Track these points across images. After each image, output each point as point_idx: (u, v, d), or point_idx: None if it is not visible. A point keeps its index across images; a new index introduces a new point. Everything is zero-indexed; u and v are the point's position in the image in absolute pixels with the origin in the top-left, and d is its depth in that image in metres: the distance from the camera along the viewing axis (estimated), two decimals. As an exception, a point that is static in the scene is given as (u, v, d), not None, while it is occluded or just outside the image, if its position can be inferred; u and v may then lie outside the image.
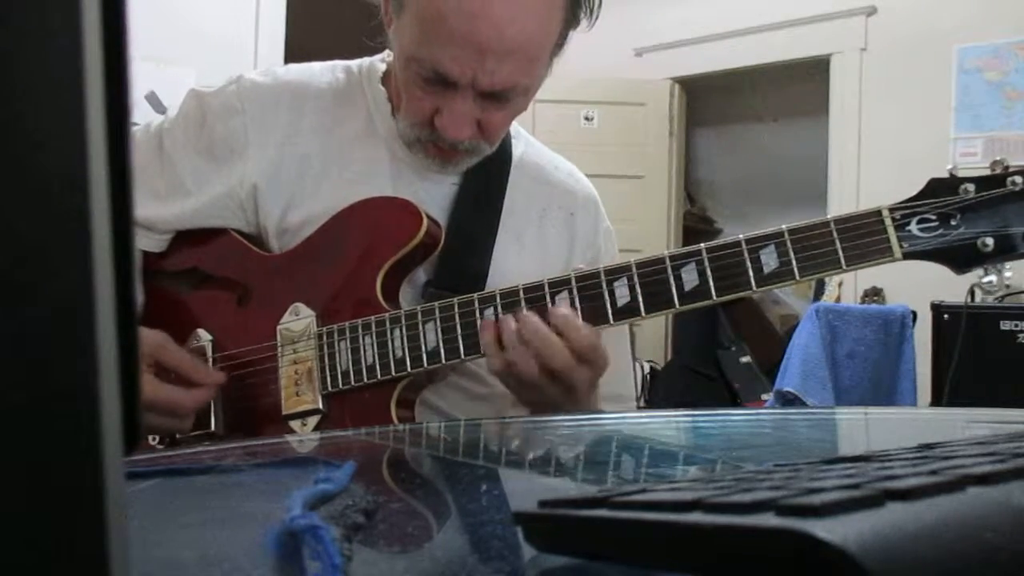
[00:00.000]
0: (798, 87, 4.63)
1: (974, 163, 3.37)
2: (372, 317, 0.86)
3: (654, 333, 4.35)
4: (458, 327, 0.82)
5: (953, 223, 0.72)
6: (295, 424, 0.88)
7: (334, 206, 0.91)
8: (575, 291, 0.80)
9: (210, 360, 0.93)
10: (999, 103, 3.49)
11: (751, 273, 0.75)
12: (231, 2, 3.20)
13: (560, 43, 0.87)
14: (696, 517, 0.22)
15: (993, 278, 2.50)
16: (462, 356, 0.82)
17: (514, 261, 0.95)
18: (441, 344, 0.83)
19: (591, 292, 0.79)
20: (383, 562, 0.32)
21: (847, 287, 3.68)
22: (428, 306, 0.84)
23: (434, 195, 0.95)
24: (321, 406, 0.87)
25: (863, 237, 0.73)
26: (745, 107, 5.22)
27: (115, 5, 0.16)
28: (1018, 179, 0.70)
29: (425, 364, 0.83)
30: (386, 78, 0.97)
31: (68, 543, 0.15)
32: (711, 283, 0.76)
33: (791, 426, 0.83)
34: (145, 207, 0.94)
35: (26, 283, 0.15)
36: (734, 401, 4.03)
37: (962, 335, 2.40)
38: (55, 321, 0.15)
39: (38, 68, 0.15)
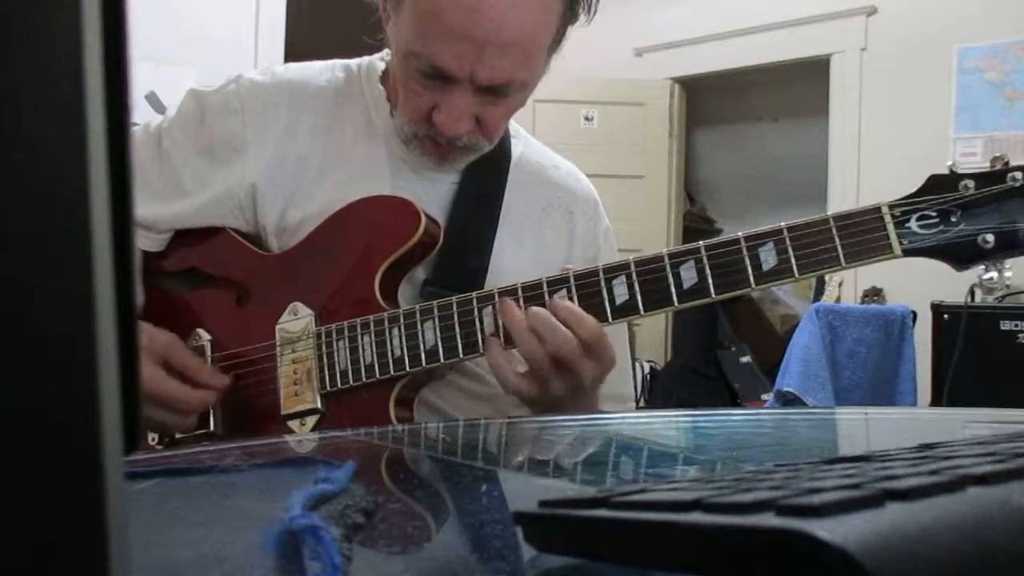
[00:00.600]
0: (798, 87, 4.63)
1: (974, 163, 3.34)
2: (371, 316, 0.86)
3: (654, 333, 4.35)
4: (457, 326, 0.82)
5: (953, 219, 0.72)
6: (294, 424, 0.88)
7: (333, 205, 0.91)
8: (573, 289, 0.80)
9: (209, 360, 0.93)
10: (999, 103, 3.49)
11: (750, 271, 0.75)
12: (231, 2, 3.19)
13: (558, 39, 0.87)
14: (696, 517, 0.22)
15: (994, 275, 2.50)
16: (460, 355, 0.82)
17: (513, 260, 0.95)
18: (440, 343, 0.83)
19: (590, 290, 0.79)
20: (383, 562, 0.32)
21: (847, 287, 3.68)
22: (427, 305, 0.84)
23: (433, 194, 0.95)
24: (320, 405, 0.87)
25: (863, 234, 0.73)
26: (745, 107, 5.22)
27: (115, 5, 0.16)
28: (1018, 175, 0.70)
29: (424, 363, 0.83)
30: (385, 77, 0.97)
31: (68, 543, 0.15)
32: (710, 281, 0.76)
33: (791, 426, 0.83)
34: (144, 207, 0.94)
35: (26, 283, 0.15)
36: (734, 401, 4.03)
37: (962, 335, 2.40)
38: (55, 321, 0.15)
39: (38, 68, 0.15)
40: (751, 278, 0.75)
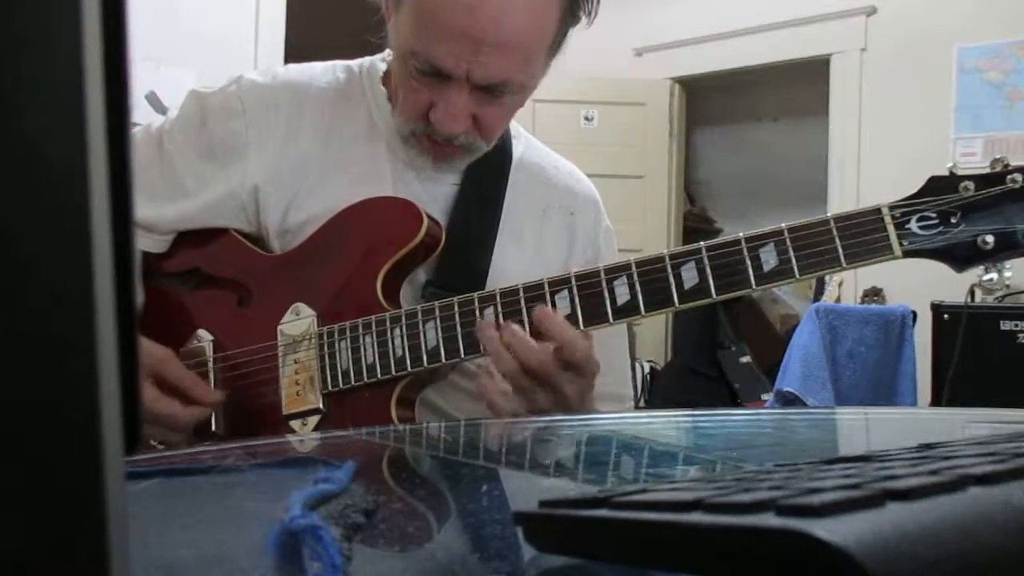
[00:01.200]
0: (798, 87, 4.63)
1: (974, 163, 3.36)
2: (372, 317, 0.86)
3: (654, 333, 4.35)
4: (458, 326, 0.83)
5: (953, 221, 0.72)
6: (295, 424, 0.88)
7: (335, 206, 0.91)
8: (575, 290, 0.80)
9: (210, 360, 0.93)
10: (999, 103, 3.49)
11: (751, 271, 0.75)
12: (231, 2, 3.19)
13: (558, 41, 0.87)
14: (696, 517, 0.22)
15: (994, 276, 2.50)
16: (462, 355, 0.82)
17: (514, 260, 0.95)
18: (441, 343, 0.83)
19: (591, 291, 0.79)
20: (383, 562, 0.32)
21: (847, 287, 3.68)
22: (428, 305, 0.84)
23: (435, 195, 0.95)
24: (321, 406, 0.87)
25: (863, 235, 0.73)
26: (745, 107, 5.22)
27: (115, 5, 0.16)
28: (1018, 177, 0.70)
29: (425, 363, 0.83)
30: (387, 78, 0.97)
31: (68, 543, 0.15)
32: (711, 281, 0.76)
33: (791, 426, 0.83)
34: (146, 208, 0.94)
35: (26, 283, 0.15)
36: (734, 401, 4.03)
37: (962, 335, 2.40)
38: (55, 322, 0.15)
39: (38, 68, 0.15)
40: (752, 279, 0.75)
